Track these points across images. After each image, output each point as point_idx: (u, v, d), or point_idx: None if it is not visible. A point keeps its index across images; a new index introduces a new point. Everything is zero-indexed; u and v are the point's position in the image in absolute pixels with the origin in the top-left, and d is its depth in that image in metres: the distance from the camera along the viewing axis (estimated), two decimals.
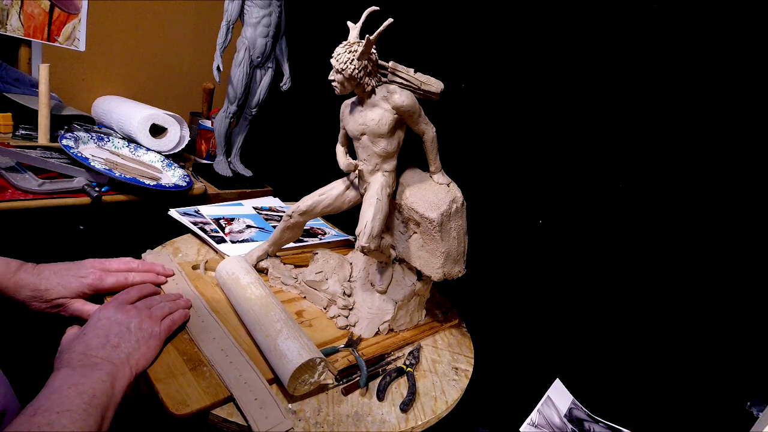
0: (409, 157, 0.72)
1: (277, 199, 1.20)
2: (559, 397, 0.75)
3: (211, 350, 0.58)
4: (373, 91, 0.64)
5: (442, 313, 0.84)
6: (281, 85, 1.24)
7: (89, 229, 0.96)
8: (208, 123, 1.34)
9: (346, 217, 0.82)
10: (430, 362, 0.71)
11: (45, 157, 0.96)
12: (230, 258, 0.75)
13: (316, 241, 0.99)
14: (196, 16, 1.48)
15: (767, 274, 0.64)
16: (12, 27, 1.12)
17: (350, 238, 1.04)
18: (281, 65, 1.23)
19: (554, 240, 0.86)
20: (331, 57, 0.61)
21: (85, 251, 0.70)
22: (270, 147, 1.50)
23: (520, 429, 0.68)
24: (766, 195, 0.63)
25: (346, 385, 0.60)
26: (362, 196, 0.70)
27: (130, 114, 1.18)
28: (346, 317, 0.73)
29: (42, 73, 1.02)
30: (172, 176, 1.13)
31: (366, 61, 0.60)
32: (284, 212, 0.90)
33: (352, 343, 0.68)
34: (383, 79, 0.64)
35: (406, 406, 0.59)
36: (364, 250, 0.63)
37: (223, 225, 0.94)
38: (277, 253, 0.83)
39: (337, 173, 0.73)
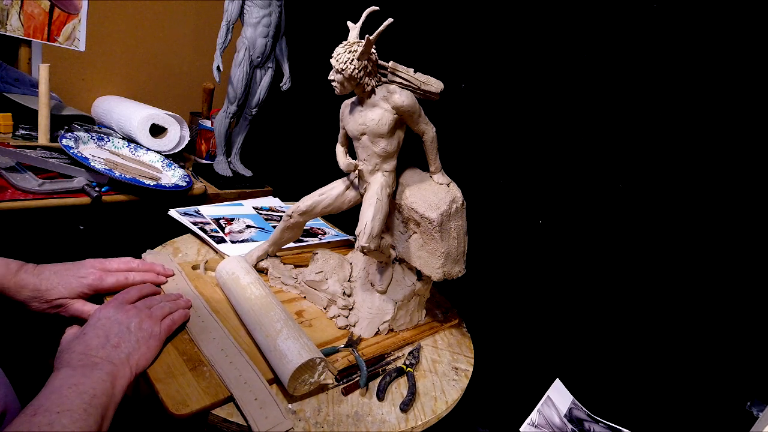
0: (409, 157, 0.72)
1: (277, 199, 1.20)
2: (559, 397, 0.75)
3: (211, 350, 0.58)
4: (373, 91, 0.64)
5: (442, 313, 0.84)
6: (281, 85, 1.24)
7: (89, 229, 0.96)
8: (208, 123, 1.34)
9: (346, 217, 0.82)
10: (430, 362, 0.71)
11: (45, 157, 0.96)
12: (230, 258, 0.75)
13: (316, 241, 0.99)
14: (196, 16, 1.48)
15: (767, 274, 0.64)
16: (12, 27, 1.12)
17: (350, 238, 1.04)
18: (281, 65, 1.23)
19: (554, 240, 0.86)
20: (331, 57, 0.61)
21: (85, 251, 0.70)
22: (270, 147, 1.50)
23: (520, 429, 0.68)
24: (765, 195, 0.63)
25: (346, 385, 0.60)
26: (362, 196, 0.70)
27: (130, 114, 1.18)
28: (346, 317, 0.73)
29: (42, 73, 1.03)
30: (172, 176, 1.13)
31: (366, 61, 0.60)
32: (284, 212, 0.90)
33: (352, 343, 0.68)
34: (383, 79, 0.64)
35: (406, 406, 0.59)
36: (364, 250, 0.63)
37: (223, 225, 0.94)
38: (277, 253, 0.83)
39: (337, 173, 0.73)
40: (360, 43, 0.60)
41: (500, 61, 0.90)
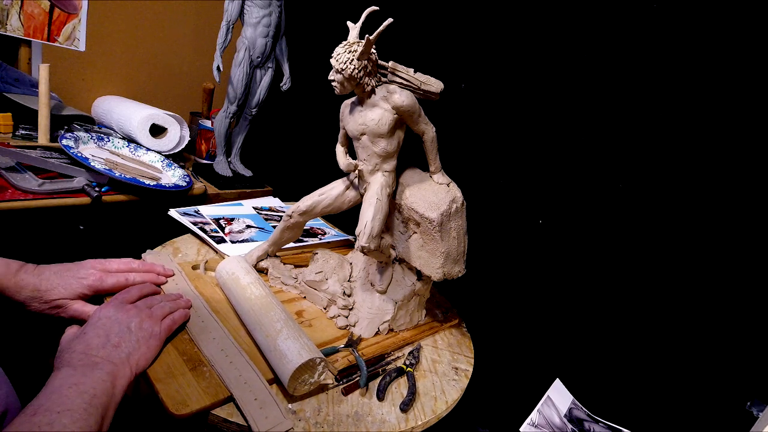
0: (409, 157, 0.72)
1: (277, 199, 1.20)
2: (559, 397, 0.75)
3: (211, 350, 0.58)
4: (373, 91, 0.64)
5: (442, 313, 0.84)
6: (281, 85, 1.24)
7: (89, 229, 0.96)
8: (208, 123, 1.34)
9: (346, 217, 0.82)
10: (430, 362, 0.71)
11: (45, 157, 0.96)
12: (230, 258, 0.75)
13: (316, 241, 0.99)
14: (196, 16, 1.48)
15: (767, 274, 0.64)
16: (12, 27, 1.12)
17: (350, 238, 1.04)
18: (281, 65, 1.23)
19: (554, 240, 0.86)
20: (331, 57, 0.61)
21: (85, 251, 0.70)
22: (270, 147, 1.50)
23: (520, 429, 0.68)
24: (765, 195, 0.63)
25: (346, 385, 0.60)
26: (362, 196, 0.70)
27: (130, 114, 1.18)
28: (346, 317, 0.73)
29: (42, 73, 1.03)
30: (172, 176, 1.13)
31: (366, 61, 0.60)
32: (284, 212, 0.90)
33: (352, 343, 0.68)
34: (383, 79, 0.64)
35: (406, 406, 0.59)
36: (364, 250, 0.63)
37: (223, 225, 0.94)
38: (277, 253, 0.83)
39: (337, 173, 0.73)
40: (360, 43, 0.60)
41: (500, 61, 0.90)
